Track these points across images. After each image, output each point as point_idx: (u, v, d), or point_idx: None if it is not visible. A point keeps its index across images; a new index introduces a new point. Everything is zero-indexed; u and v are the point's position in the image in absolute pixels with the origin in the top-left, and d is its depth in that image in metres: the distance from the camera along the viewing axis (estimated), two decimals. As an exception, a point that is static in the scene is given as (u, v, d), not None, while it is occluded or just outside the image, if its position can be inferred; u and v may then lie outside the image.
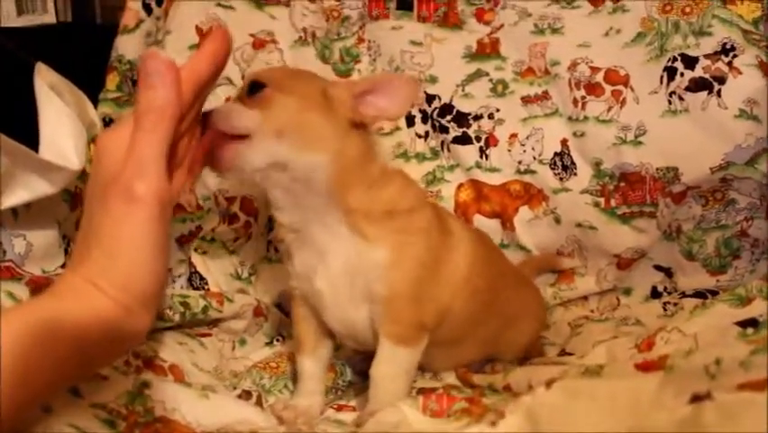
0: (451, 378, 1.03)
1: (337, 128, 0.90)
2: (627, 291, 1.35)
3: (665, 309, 1.21)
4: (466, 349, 1.07)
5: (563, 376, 0.70)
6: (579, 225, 1.35)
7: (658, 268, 1.34)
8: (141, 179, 0.66)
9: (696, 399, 0.52)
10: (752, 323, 0.90)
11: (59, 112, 1.03)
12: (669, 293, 1.31)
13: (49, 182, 0.93)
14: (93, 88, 1.44)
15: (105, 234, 0.66)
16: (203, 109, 0.84)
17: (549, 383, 0.65)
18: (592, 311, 1.34)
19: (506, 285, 1.13)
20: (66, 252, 1.09)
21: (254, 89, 0.89)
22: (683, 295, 1.26)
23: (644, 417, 0.54)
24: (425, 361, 1.01)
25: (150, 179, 0.66)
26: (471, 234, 1.08)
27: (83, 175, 1.08)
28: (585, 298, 1.37)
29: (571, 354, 1.11)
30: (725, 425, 0.50)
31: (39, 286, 0.97)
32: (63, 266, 1.06)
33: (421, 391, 0.88)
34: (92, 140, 1.18)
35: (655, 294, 1.33)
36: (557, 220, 1.36)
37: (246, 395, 1.04)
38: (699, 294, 1.24)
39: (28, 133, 0.95)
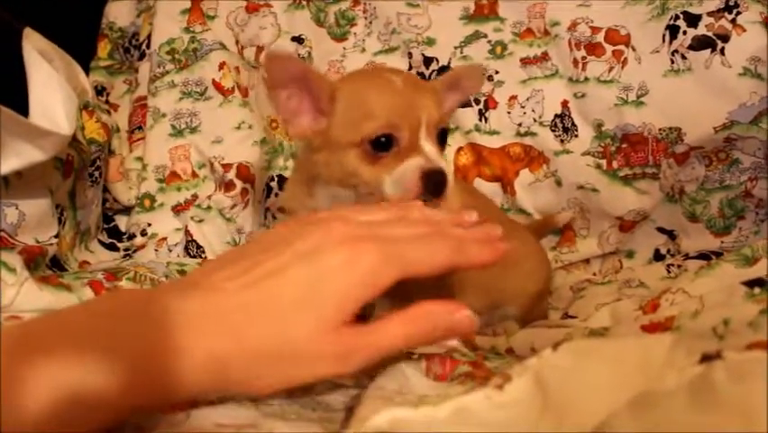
0: (454, 340, 1.02)
1: None
2: (630, 254, 1.33)
3: (669, 272, 1.20)
4: (471, 297, 1.05)
5: (569, 339, 0.69)
6: (580, 187, 1.33)
7: (661, 230, 1.32)
8: None
9: (706, 358, 0.51)
10: (758, 283, 0.89)
11: (48, 77, 1.01)
12: (672, 255, 1.29)
13: (39, 149, 0.91)
14: (83, 55, 1.42)
15: None
16: (422, 167, 0.81)
17: (555, 346, 0.63)
18: (594, 274, 1.32)
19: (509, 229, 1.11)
20: (59, 221, 1.07)
21: (443, 136, 0.87)
22: (687, 257, 1.24)
23: (655, 377, 0.53)
24: None
25: None
26: (457, 185, 1.07)
27: (74, 141, 1.06)
28: (587, 261, 1.35)
29: (574, 318, 1.09)
30: (734, 384, 0.48)
31: (32, 255, 0.96)
32: (57, 236, 1.05)
33: (423, 355, 0.87)
34: (83, 106, 1.16)
35: (658, 257, 1.31)
36: (558, 183, 1.35)
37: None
38: (703, 256, 1.22)
39: (17, 100, 0.93)
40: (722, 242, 1.25)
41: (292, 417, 0.65)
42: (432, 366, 0.76)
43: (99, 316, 0.54)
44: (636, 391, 0.50)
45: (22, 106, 0.94)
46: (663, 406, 0.49)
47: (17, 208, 0.97)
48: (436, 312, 0.61)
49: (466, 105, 1.38)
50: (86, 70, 1.43)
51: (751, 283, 0.89)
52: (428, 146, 0.83)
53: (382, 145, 0.83)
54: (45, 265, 1.03)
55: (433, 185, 0.80)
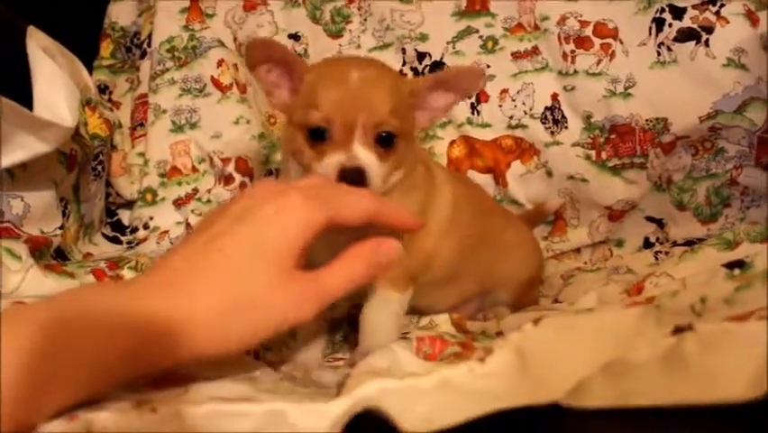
0: (446, 325, 1.05)
1: (414, 148, 0.94)
2: (620, 243, 1.36)
3: (657, 258, 1.22)
4: (464, 283, 1.07)
5: (550, 314, 0.72)
6: (570, 177, 1.36)
7: (650, 219, 1.34)
8: None
9: (678, 330, 0.53)
10: (738, 264, 0.91)
11: (51, 73, 1.04)
12: (661, 243, 1.32)
13: (43, 141, 0.94)
14: (86, 55, 1.45)
15: None
16: (341, 163, 0.83)
17: (536, 321, 0.66)
18: (585, 263, 1.35)
19: (492, 219, 1.14)
20: (63, 213, 1.10)
21: (385, 139, 0.86)
22: (675, 244, 1.27)
23: (627, 345, 0.56)
24: (427, 303, 1.04)
25: None
26: (449, 175, 1.09)
27: (77, 136, 1.09)
28: (578, 250, 1.38)
29: (562, 303, 1.12)
30: (703, 353, 0.51)
31: (37, 245, 0.99)
32: (61, 228, 1.08)
33: (416, 336, 0.89)
34: (86, 102, 1.19)
35: (648, 245, 1.34)
36: (549, 174, 1.38)
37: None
38: (690, 243, 1.25)
39: (21, 96, 0.96)
40: (708, 229, 1.28)
41: (285, 392, 0.68)
42: (422, 347, 0.79)
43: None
44: (610, 357, 0.53)
45: (26, 103, 0.97)
46: (636, 376, 0.52)
47: (23, 200, 1.00)
48: (366, 249, 0.70)
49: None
50: (90, 69, 1.45)
51: (731, 265, 0.92)
52: (358, 145, 0.85)
53: (318, 135, 0.86)
54: (50, 256, 1.06)
55: (349, 182, 0.82)
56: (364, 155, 0.84)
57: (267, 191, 0.68)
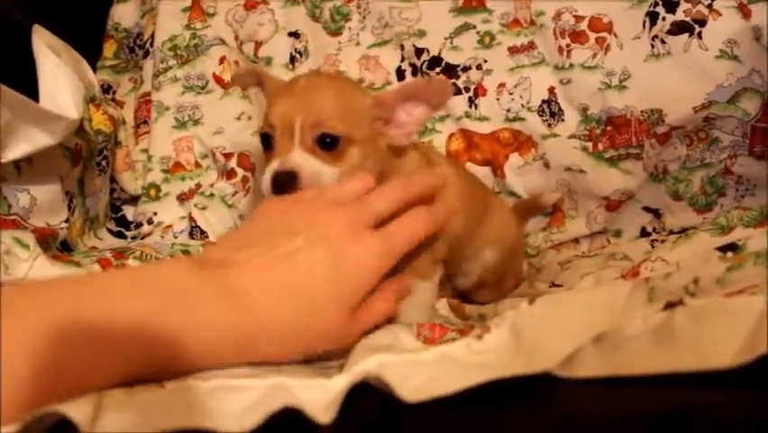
0: (444, 310, 1.06)
1: (384, 159, 0.95)
2: (618, 233, 1.38)
3: (653, 246, 1.24)
4: (460, 238, 1.09)
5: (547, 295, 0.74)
6: (568, 169, 1.37)
7: (647, 209, 1.36)
8: None
9: (669, 306, 0.55)
10: (731, 247, 0.93)
11: (56, 68, 1.06)
12: (657, 233, 1.33)
13: (48, 133, 0.96)
14: (90, 56, 1.47)
15: None
16: (274, 169, 0.88)
17: (532, 299, 0.67)
18: (583, 253, 1.36)
19: (483, 192, 1.23)
20: (69, 207, 1.12)
21: (327, 141, 0.89)
22: (671, 233, 1.29)
23: (618, 318, 0.57)
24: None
25: None
26: (447, 160, 1.15)
27: (81, 131, 1.11)
28: (576, 240, 1.39)
29: (560, 286, 1.14)
30: (694, 325, 0.52)
31: (44, 236, 1.01)
32: (67, 221, 1.10)
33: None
34: (90, 99, 1.21)
35: (644, 234, 1.35)
36: (546, 165, 1.39)
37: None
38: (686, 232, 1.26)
39: (26, 93, 0.98)
40: (704, 218, 1.29)
41: (289, 370, 0.70)
42: (422, 331, 0.81)
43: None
44: (602, 329, 0.55)
45: (31, 98, 0.98)
46: (627, 347, 0.53)
47: (29, 193, 1.02)
48: (396, 289, 0.78)
49: (456, 92, 1.42)
50: (93, 70, 1.47)
51: (724, 248, 0.94)
52: (297, 149, 0.88)
53: (267, 142, 0.91)
54: (56, 248, 1.08)
55: (280, 186, 0.86)
56: (299, 157, 0.87)
57: (348, 219, 0.73)
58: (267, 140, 0.92)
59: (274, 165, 0.88)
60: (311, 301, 0.67)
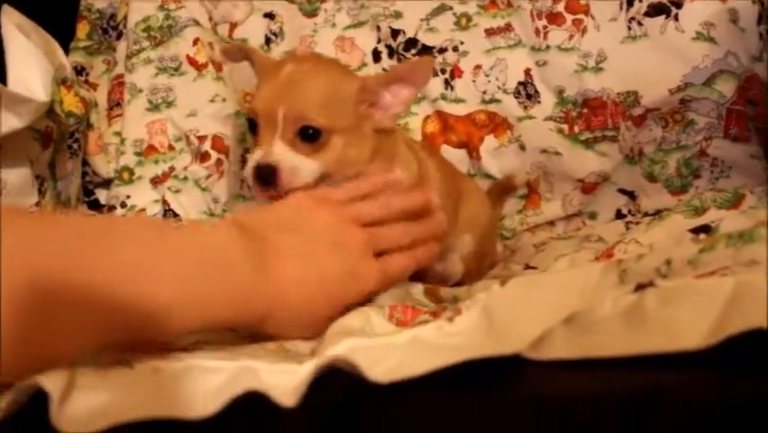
0: (419, 295, 1.06)
1: (370, 142, 0.96)
2: (593, 215, 1.38)
3: (628, 228, 1.24)
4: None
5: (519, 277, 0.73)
6: (543, 151, 1.37)
7: (622, 192, 1.36)
8: None
9: (640, 287, 0.55)
10: (704, 229, 0.93)
11: (25, 50, 1.05)
12: (633, 215, 1.33)
13: (17, 116, 0.95)
14: (63, 37, 1.45)
15: None
16: (256, 161, 0.89)
17: (504, 281, 0.67)
18: (558, 235, 1.36)
19: (456, 178, 1.23)
20: (39, 191, 1.11)
21: (309, 134, 0.89)
22: (646, 215, 1.29)
23: (590, 301, 0.57)
24: None
25: None
26: (421, 146, 1.17)
27: (52, 113, 1.10)
28: (552, 223, 1.39)
29: (535, 268, 1.14)
30: (664, 306, 0.52)
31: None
32: (37, 204, 1.09)
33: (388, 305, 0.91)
34: (62, 81, 1.19)
35: (620, 217, 1.35)
36: (522, 147, 1.39)
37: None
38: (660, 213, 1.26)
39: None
40: (679, 200, 1.29)
41: (262, 354, 0.70)
42: (394, 313, 0.80)
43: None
44: (572, 311, 0.54)
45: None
46: (597, 330, 0.53)
47: (-2, 176, 1.01)
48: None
49: (433, 75, 1.41)
50: (66, 51, 1.46)
51: (697, 230, 0.94)
52: (278, 140, 0.88)
53: (252, 127, 0.92)
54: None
55: (262, 178, 0.88)
56: (280, 151, 0.88)
57: (365, 244, 0.82)
58: (252, 124, 0.93)
59: (256, 157, 0.89)
60: (323, 300, 0.75)
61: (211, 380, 0.51)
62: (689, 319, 0.50)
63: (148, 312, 0.58)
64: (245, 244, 0.69)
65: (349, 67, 1.44)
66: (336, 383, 0.53)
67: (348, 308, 0.77)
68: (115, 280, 0.56)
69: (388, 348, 0.56)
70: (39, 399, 0.47)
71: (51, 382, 0.48)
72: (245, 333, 0.86)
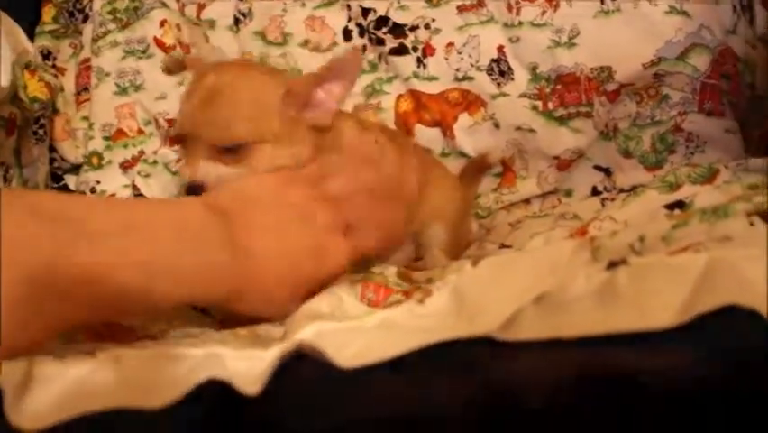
0: (392, 277, 1.05)
1: (307, 141, 0.93)
2: (569, 193, 1.37)
3: (603, 205, 1.23)
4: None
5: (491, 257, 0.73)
6: (518, 128, 1.36)
7: (597, 168, 1.35)
8: None
9: (612, 265, 0.54)
10: (679, 205, 0.93)
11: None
12: (608, 191, 1.33)
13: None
14: (28, 21, 1.43)
15: None
16: (185, 181, 0.90)
17: (475, 261, 0.66)
18: (534, 213, 1.35)
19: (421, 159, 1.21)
20: (5, 178, 1.09)
21: (233, 148, 0.89)
22: (621, 191, 1.29)
23: (561, 279, 0.56)
24: None
25: None
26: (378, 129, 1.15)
27: (16, 99, 1.08)
28: (528, 201, 1.38)
29: (510, 247, 1.13)
30: (636, 284, 0.52)
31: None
32: None
33: (363, 279, 0.90)
34: (25, 66, 1.17)
35: (596, 194, 1.35)
36: (496, 125, 1.37)
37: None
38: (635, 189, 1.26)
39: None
40: (654, 176, 1.28)
41: (231, 340, 0.69)
42: (366, 293, 0.80)
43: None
44: (543, 290, 0.53)
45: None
46: (569, 309, 0.52)
47: (-40, 165, 0.99)
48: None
49: (403, 52, 1.40)
50: (32, 36, 1.43)
51: (671, 206, 0.93)
52: (203, 160, 0.89)
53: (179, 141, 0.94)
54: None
55: (195, 194, 0.87)
56: (204, 169, 0.89)
57: (332, 224, 0.81)
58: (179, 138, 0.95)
59: (185, 177, 0.90)
60: (294, 275, 0.75)
61: (177, 368, 0.50)
62: (661, 297, 0.50)
63: (121, 286, 0.58)
64: (213, 219, 0.69)
65: (319, 46, 1.43)
66: (302, 370, 0.52)
67: (321, 287, 0.77)
68: (91, 259, 0.56)
69: (356, 332, 0.55)
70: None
71: (5, 377, 0.46)
72: (219, 316, 0.86)
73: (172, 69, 1.07)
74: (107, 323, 0.70)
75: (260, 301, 0.72)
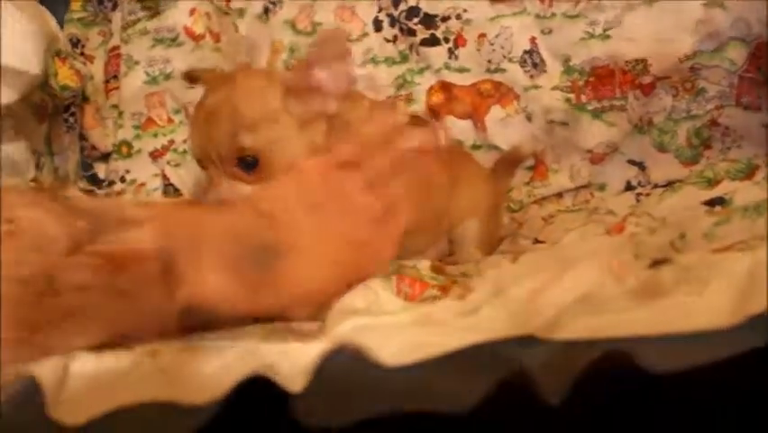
0: (426, 271, 1.04)
1: (314, 128, 0.93)
2: (602, 187, 1.35)
3: (638, 200, 1.22)
4: (436, 218, 1.09)
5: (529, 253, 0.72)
6: (551, 121, 1.35)
7: (631, 162, 1.33)
8: None
9: (655, 263, 0.53)
10: (718, 201, 0.91)
11: (17, 21, 1.03)
12: (642, 186, 1.31)
13: (9, 88, 0.93)
14: (57, 8, 1.43)
15: None
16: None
17: (515, 258, 0.65)
18: (567, 207, 1.34)
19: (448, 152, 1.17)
20: (36, 166, 1.09)
21: (248, 163, 0.89)
22: (656, 186, 1.27)
23: (604, 278, 0.55)
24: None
25: None
26: None
27: (47, 87, 1.08)
28: (560, 195, 1.37)
29: (543, 243, 1.12)
30: (682, 284, 0.50)
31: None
32: (34, 180, 1.07)
33: (398, 272, 0.89)
34: (56, 53, 1.17)
35: (629, 188, 1.33)
36: (529, 118, 1.36)
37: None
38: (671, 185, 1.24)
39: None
40: (690, 170, 1.26)
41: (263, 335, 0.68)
42: (402, 287, 0.79)
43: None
44: (585, 290, 0.52)
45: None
46: (611, 308, 0.51)
47: (-4, 150, 0.99)
48: None
49: (435, 43, 1.39)
50: (61, 23, 1.43)
51: (711, 202, 0.92)
52: (224, 179, 0.90)
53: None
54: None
55: None
56: (227, 188, 0.90)
57: (366, 206, 0.78)
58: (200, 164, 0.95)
59: (209, 197, 0.91)
60: (337, 282, 0.71)
61: (213, 362, 0.50)
62: (708, 297, 0.48)
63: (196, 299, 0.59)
64: (264, 226, 0.69)
65: (350, 36, 1.42)
66: (340, 366, 0.51)
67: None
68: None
69: (395, 328, 0.54)
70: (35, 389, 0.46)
71: (45, 371, 0.46)
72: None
73: (191, 81, 1.07)
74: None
75: (300, 308, 0.72)
